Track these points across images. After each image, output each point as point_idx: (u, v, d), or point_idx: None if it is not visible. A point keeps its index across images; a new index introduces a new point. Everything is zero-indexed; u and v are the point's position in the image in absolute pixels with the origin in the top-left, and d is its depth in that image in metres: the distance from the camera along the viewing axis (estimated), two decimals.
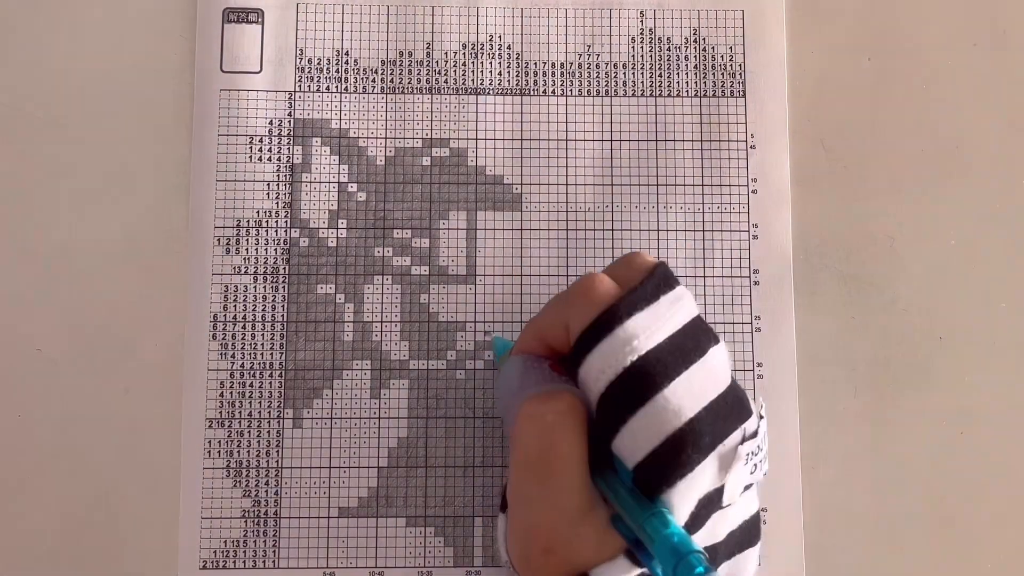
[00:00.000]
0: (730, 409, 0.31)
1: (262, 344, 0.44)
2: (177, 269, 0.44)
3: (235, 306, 0.44)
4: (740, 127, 0.46)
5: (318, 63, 0.46)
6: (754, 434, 0.32)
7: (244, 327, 0.44)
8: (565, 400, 0.32)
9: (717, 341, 0.32)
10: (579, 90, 0.46)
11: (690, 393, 0.30)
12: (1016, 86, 0.47)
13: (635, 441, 0.30)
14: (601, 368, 0.31)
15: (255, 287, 0.44)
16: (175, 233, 0.44)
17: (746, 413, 0.32)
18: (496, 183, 0.45)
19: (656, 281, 0.32)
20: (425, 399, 0.43)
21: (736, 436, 0.31)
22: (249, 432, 0.43)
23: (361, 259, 0.44)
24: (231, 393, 0.43)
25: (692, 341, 0.32)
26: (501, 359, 0.41)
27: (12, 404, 0.43)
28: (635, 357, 0.30)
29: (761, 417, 0.33)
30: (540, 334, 0.34)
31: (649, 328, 0.31)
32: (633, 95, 0.46)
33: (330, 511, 0.43)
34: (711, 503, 0.32)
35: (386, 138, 0.45)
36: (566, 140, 0.45)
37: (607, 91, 0.46)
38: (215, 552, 0.42)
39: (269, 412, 0.43)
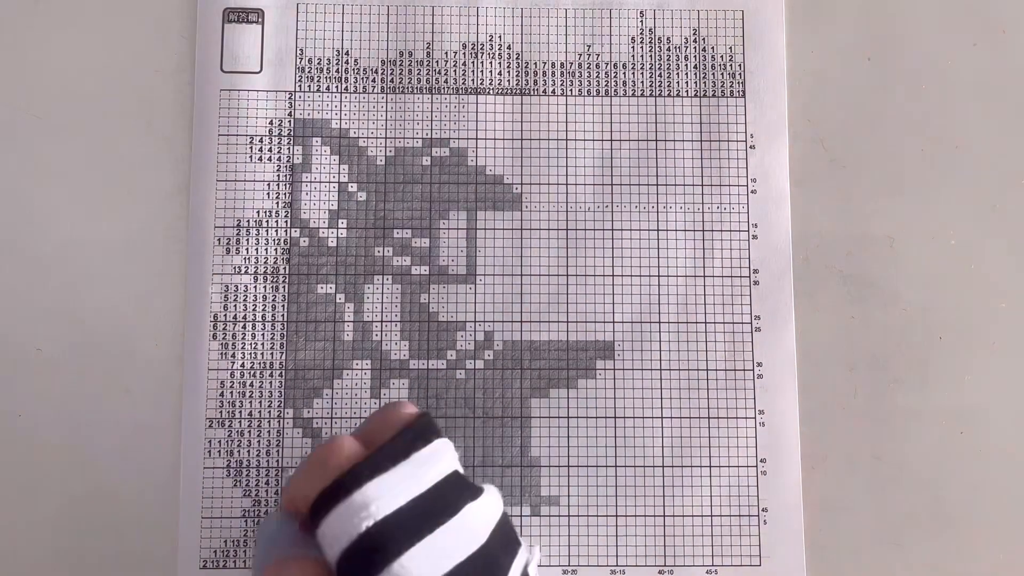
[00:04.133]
0: (479, 573, 0.30)
1: (262, 344, 0.44)
2: (177, 269, 0.44)
3: (235, 306, 0.44)
4: (740, 127, 0.46)
5: (318, 63, 0.46)
6: None
7: (244, 327, 0.44)
8: (303, 568, 0.30)
9: (476, 496, 0.31)
10: (579, 90, 0.46)
11: (430, 560, 0.29)
12: (1016, 86, 0.47)
13: None
14: (336, 535, 0.29)
15: (255, 287, 0.44)
16: (175, 233, 0.44)
17: (500, 574, 0.30)
18: (496, 183, 0.45)
19: (410, 437, 0.31)
20: (425, 399, 0.43)
21: None
22: (249, 432, 0.43)
23: (361, 259, 0.44)
24: (231, 393, 0.43)
25: (443, 501, 0.30)
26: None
27: (12, 404, 0.43)
28: (370, 523, 0.29)
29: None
30: (288, 496, 0.32)
31: (392, 491, 0.29)
32: (633, 95, 0.46)
33: None
34: None
35: (386, 138, 0.45)
36: (566, 140, 0.45)
37: (607, 91, 0.46)
38: (215, 552, 0.42)
39: (269, 412, 0.43)
